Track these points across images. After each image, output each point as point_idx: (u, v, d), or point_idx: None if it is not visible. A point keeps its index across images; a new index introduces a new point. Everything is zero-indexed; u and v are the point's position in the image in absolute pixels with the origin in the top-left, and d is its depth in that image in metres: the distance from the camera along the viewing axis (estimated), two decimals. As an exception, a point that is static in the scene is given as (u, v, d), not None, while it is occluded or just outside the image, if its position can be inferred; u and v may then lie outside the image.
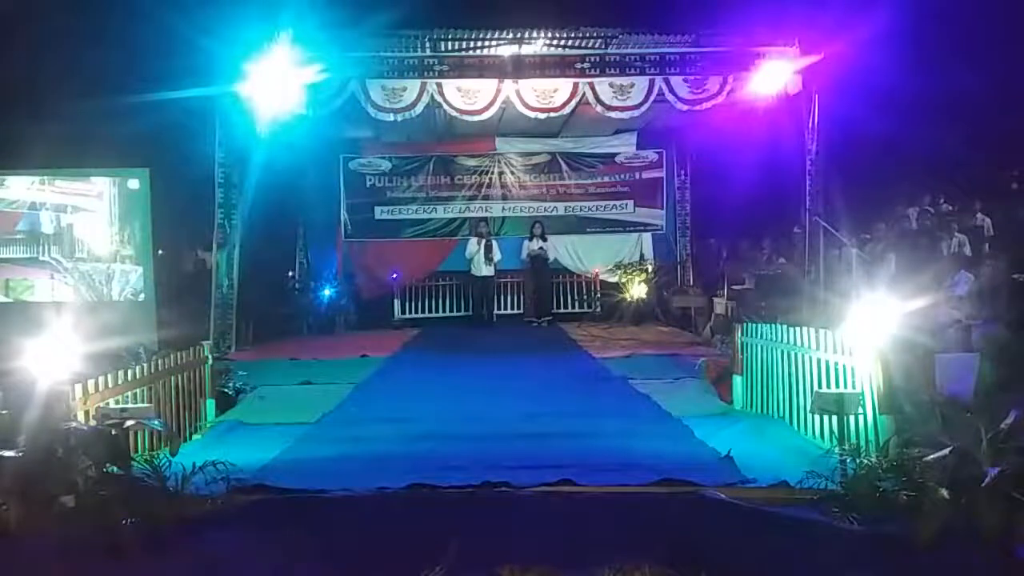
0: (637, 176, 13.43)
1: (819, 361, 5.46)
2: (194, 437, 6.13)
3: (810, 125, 9.39)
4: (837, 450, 4.48)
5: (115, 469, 4.07)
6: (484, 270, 12.07)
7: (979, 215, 10.75)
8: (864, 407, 4.78)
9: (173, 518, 3.82)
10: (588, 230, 13.38)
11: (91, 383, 4.86)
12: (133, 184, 8.60)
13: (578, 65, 9.39)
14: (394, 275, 12.81)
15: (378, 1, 9.35)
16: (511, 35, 9.24)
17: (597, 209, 13.40)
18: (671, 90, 9.45)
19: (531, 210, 13.22)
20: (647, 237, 13.40)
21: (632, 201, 13.42)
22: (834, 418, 4.81)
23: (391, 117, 9.44)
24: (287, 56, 8.61)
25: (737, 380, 6.99)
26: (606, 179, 13.41)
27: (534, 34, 9.27)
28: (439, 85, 9.30)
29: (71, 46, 10.30)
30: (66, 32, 10.40)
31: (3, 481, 3.83)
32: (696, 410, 6.52)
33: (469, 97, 9.46)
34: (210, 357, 6.71)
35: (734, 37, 9.40)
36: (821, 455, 4.63)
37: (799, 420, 5.75)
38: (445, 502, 4.15)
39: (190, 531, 3.79)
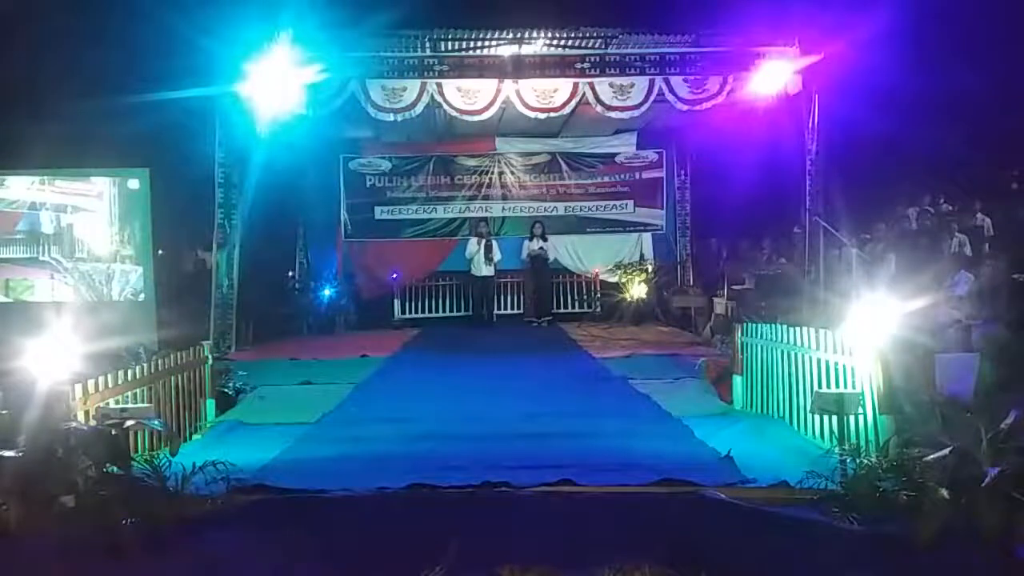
0: (637, 176, 13.43)
1: (819, 361, 5.46)
2: (194, 437, 6.13)
3: (810, 125, 9.39)
4: (837, 450, 4.48)
5: (115, 469, 4.07)
6: (484, 270, 12.07)
7: (979, 215, 10.75)
8: (864, 407, 4.78)
9: (173, 518, 3.82)
10: (588, 230, 13.38)
11: (91, 383, 4.86)
12: (133, 184, 8.60)
13: (578, 65, 9.39)
14: (394, 275, 12.81)
15: (378, 1, 9.36)
16: (511, 35, 9.24)
17: (597, 209, 13.39)
18: (671, 90, 9.45)
19: (531, 210, 13.22)
20: (647, 237, 13.40)
21: (632, 201, 13.42)
22: (834, 418, 4.81)
23: (391, 117, 9.44)
24: (287, 56, 8.61)
25: (737, 380, 6.99)
26: (606, 179, 13.41)
27: (534, 34, 9.27)
28: (439, 85, 9.30)
29: (71, 46, 10.30)
30: (66, 32, 10.40)
31: (3, 481, 3.83)
32: (696, 410, 6.51)
33: (469, 97, 9.46)
34: (210, 357, 6.71)
35: (734, 37, 9.40)
36: (821, 455, 4.63)
37: (799, 420, 5.75)
38: (445, 502, 4.15)
39: (190, 531, 3.78)
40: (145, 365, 5.66)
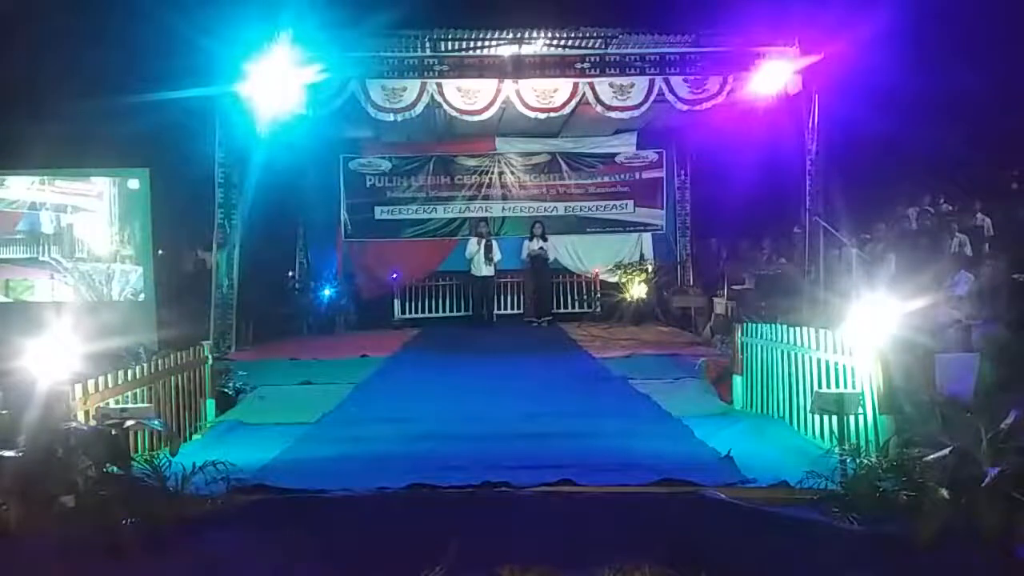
0: (637, 176, 13.43)
1: (819, 361, 5.46)
2: (194, 437, 6.13)
3: (810, 125, 9.39)
4: (837, 450, 4.48)
5: (115, 469, 4.07)
6: (484, 270, 12.07)
7: (979, 215, 10.75)
8: (864, 407, 4.78)
9: (173, 518, 3.82)
10: (588, 230, 13.38)
11: (91, 383, 4.86)
12: (133, 184, 8.60)
13: (578, 65, 9.39)
14: (394, 275, 12.81)
15: (378, 1, 9.36)
16: (511, 35, 9.24)
17: (597, 209, 13.39)
18: (671, 90, 9.45)
19: (531, 210, 13.22)
20: (647, 237, 13.40)
21: (632, 201, 13.42)
22: (834, 418, 4.81)
23: (391, 117, 9.44)
24: (287, 56, 8.61)
25: (737, 380, 6.99)
26: (606, 179, 13.41)
27: (534, 34, 9.27)
28: (439, 85, 9.30)
29: (71, 46, 10.30)
30: (66, 32, 10.40)
31: (3, 481, 3.83)
32: (696, 410, 6.51)
33: (469, 97, 9.46)
34: (210, 357, 6.71)
35: (734, 37, 9.40)
36: (821, 455, 4.63)
37: (799, 420, 5.75)
38: (445, 502, 4.15)
39: (190, 531, 3.78)
40: (145, 365, 5.66)
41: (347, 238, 13.14)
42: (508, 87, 9.39)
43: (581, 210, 13.36)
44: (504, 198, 13.33)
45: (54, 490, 3.86)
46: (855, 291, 7.31)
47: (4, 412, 4.26)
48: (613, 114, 9.76)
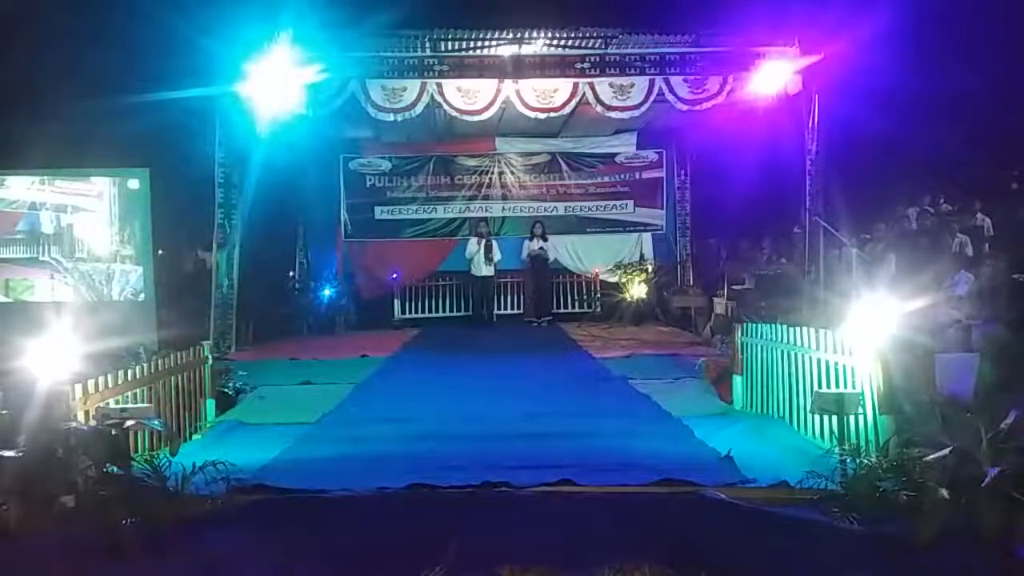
0: (637, 176, 13.43)
1: (819, 361, 5.46)
2: (194, 437, 6.13)
3: (810, 125, 9.39)
4: (837, 450, 4.48)
5: (115, 469, 4.07)
6: (484, 270, 12.07)
7: (979, 215, 10.74)
8: (864, 407, 4.78)
9: (173, 518, 3.82)
10: (588, 230, 13.38)
11: (91, 383, 4.86)
12: (133, 184, 8.60)
13: (578, 65, 9.39)
14: (394, 275, 12.81)
15: (378, 1, 9.36)
16: (511, 35, 9.24)
17: (597, 209, 13.40)
18: (671, 90, 9.45)
19: (531, 210, 13.22)
20: (647, 237, 13.40)
21: (632, 201, 13.42)
22: (834, 418, 4.81)
23: (391, 117, 9.44)
24: (287, 56, 8.61)
25: (737, 380, 6.99)
26: (606, 179, 13.41)
27: (534, 34, 9.27)
28: (439, 85, 9.30)
29: (71, 46, 10.30)
30: (66, 32, 10.40)
31: (3, 481, 3.83)
32: (696, 410, 6.51)
33: (469, 97, 9.46)
34: (210, 357, 6.71)
35: (734, 37, 9.40)
36: (821, 455, 4.63)
37: (799, 420, 5.75)
38: (445, 502, 4.15)
39: (190, 531, 3.78)
40: (145, 365, 5.66)
41: (347, 238, 13.14)
42: (508, 87, 9.39)
43: (581, 210, 13.36)
44: (504, 198, 13.33)
45: (54, 490, 3.87)
46: (855, 291, 7.30)
47: (4, 412, 4.26)
48: (613, 114, 9.76)
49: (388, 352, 9.46)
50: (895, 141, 11.12)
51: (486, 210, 13.18)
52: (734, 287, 10.24)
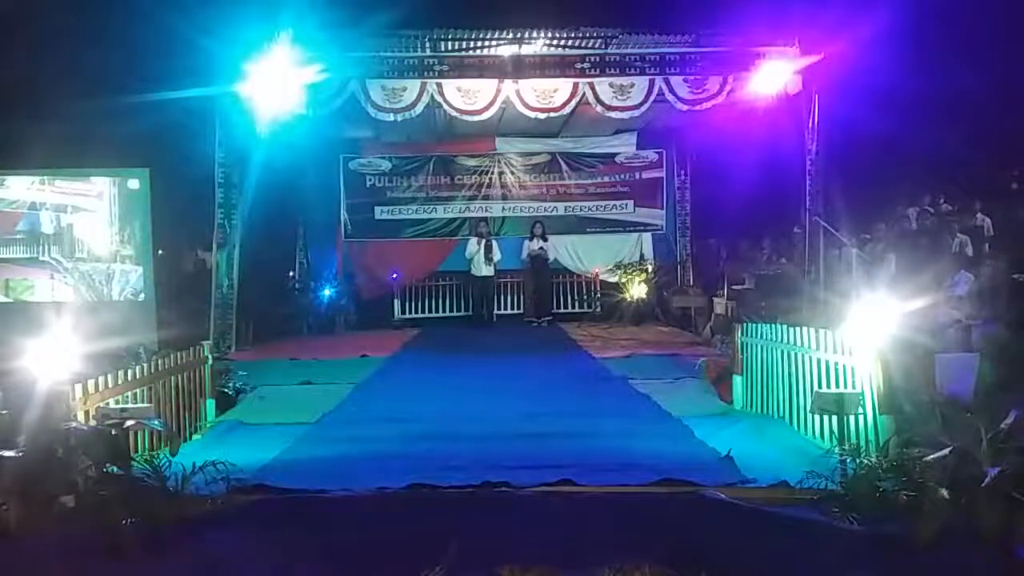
0: (637, 176, 13.43)
1: (819, 361, 5.46)
2: (194, 437, 6.13)
3: (810, 125, 9.39)
4: (837, 450, 4.48)
5: (115, 469, 4.07)
6: (484, 270, 12.07)
7: (979, 215, 10.75)
8: (864, 407, 4.78)
9: (173, 518, 3.82)
10: (588, 230, 13.38)
11: (91, 383, 4.86)
12: (133, 184, 8.60)
13: (578, 65, 9.39)
14: (394, 275, 12.81)
15: (378, 1, 9.36)
16: (511, 35, 9.24)
17: (597, 209, 13.40)
18: (671, 90, 9.45)
19: (531, 210, 13.23)
20: (647, 237, 13.40)
21: (632, 201, 13.42)
22: (834, 418, 4.81)
23: (391, 117, 9.44)
24: (287, 56, 8.61)
25: (737, 380, 6.99)
26: (606, 179, 13.41)
27: (534, 34, 9.27)
28: (439, 85, 9.31)
29: (71, 46, 10.30)
30: (66, 32, 10.40)
31: (3, 481, 3.83)
32: (696, 410, 6.51)
33: (469, 97, 9.46)
34: (210, 357, 6.71)
35: (734, 37, 9.40)
36: (821, 455, 4.63)
37: (799, 420, 5.75)
38: (445, 502, 4.15)
39: (190, 531, 3.78)
40: (145, 365, 5.66)
41: (347, 238, 13.14)
42: (508, 87, 9.39)
43: (581, 210, 13.36)
44: (504, 198, 13.33)
45: (54, 490, 3.86)
46: (855, 291, 7.30)
47: (4, 412, 4.26)
48: (613, 114, 9.77)
49: (388, 352, 9.46)
50: (895, 141, 11.12)
51: (486, 210, 13.18)
52: (734, 287, 10.24)
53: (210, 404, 6.63)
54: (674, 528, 3.76)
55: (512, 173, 13.32)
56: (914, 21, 10.67)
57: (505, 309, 13.06)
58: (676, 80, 9.43)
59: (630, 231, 13.42)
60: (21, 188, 8.53)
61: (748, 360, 6.85)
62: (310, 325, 11.92)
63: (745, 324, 7.21)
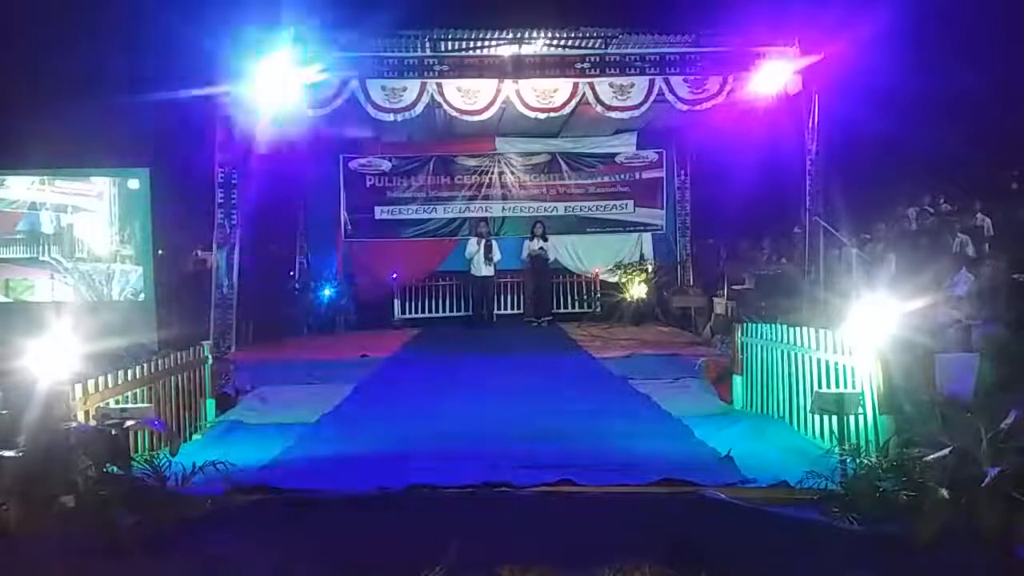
0: (637, 176, 13.42)
1: (819, 361, 5.46)
2: (194, 437, 6.14)
3: (810, 125, 9.38)
4: (837, 450, 4.48)
5: (115, 469, 4.07)
6: (484, 270, 12.07)
7: (979, 215, 10.75)
8: (864, 407, 4.78)
9: (173, 518, 3.82)
10: (588, 230, 13.37)
11: (91, 383, 4.86)
12: (133, 184, 8.61)
13: (578, 65, 9.39)
14: (394, 275, 12.81)
15: (378, 1, 9.36)
16: (511, 35, 9.23)
17: (597, 209, 13.39)
18: (671, 90, 9.44)
19: (531, 210, 13.21)
20: (647, 237, 13.39)
21: (632, 201, 13.42)
22: (834, 418, 4.81)
23: (391, 117, 9.44)
24: (287, 56, 8.61)
25: (737, 380, 6.99)
26: (606, 179, 13.41)
27: (534, 34, 9.27)
28: (439, 85, 9.30)
29: (71, 46, 10.31)
30: (66, 32, 10.41)
31: (3, 481, 3.83)
32: (696, 410, 6.52)
33: (469, 97, 9.46)
34: (210, 357, 6.72)
35: (734, 37, 9.39)
36: (821, 455, 4.63)
37: (799, 420, 5.75)
38: (445, 502, 4.15)
39: (190, 531, 3.79)
40: (145, 365, 5.66)
41: (347, 238, 13.13)
42: (508, 87, 9.38)
43: (581, 210, 13.35)
44: (504, 198, 13.32)
45: (54, 490, 3.87)
46: (855, 291, 7.30)
47: (4, 412, 4.26)
48: (613, 114, 9.76)
49: (388, 352, 9.45)
50: (895, 141, 11.13)
51: (486, 210, 13.17)
52: (734, 287, 10.23)
53: (210, 404, 6.64)
54: (674, 528, 3.76)
55: (512, 173, 13.31)
56: (914, 21, 10.67)
57: (505, 309, 13.05)
58: (676, 80, 9.42)
59: (630, 231, 13.41)
60: (21, 188, 8.54)
61: (748, 360, 6.85)
62: (310, 325, 11.91)
63: (745, 324, 7.21)
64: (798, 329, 5.87)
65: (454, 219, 13.29)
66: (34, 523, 3.74)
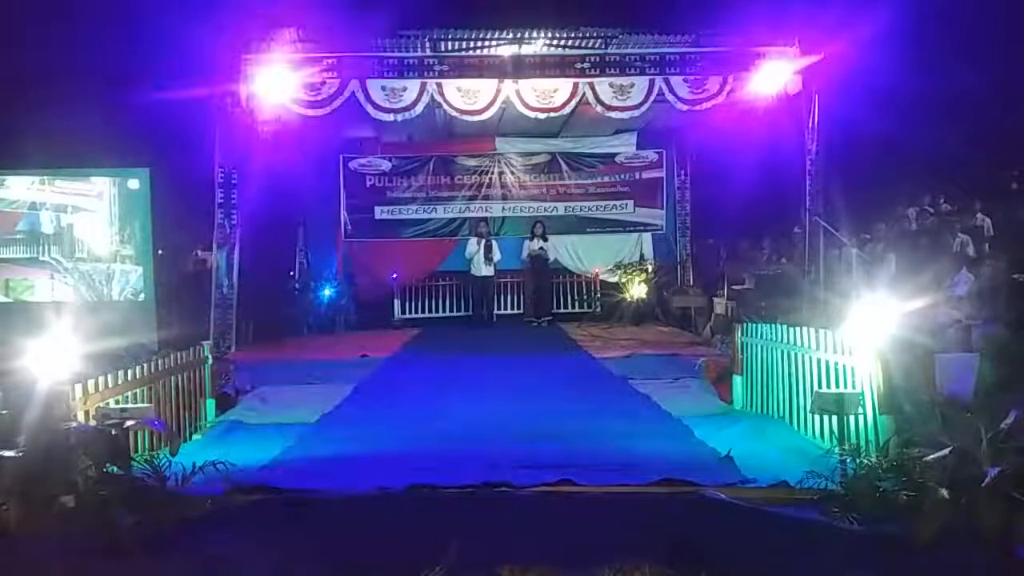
0: (637, 176, 13.42)
1: (819, 361, 5.46)
2: (194, 437, 6.14)
3: (810, 125, 9.38)
4: (837, 450, 4.48)
5: (115, 469, 4.07)
6: (484, 270, 12.07)
7: (979, 215, 10.75)
8: (864, 407, 4.78)
9: (173, 518, 3.82)
10: (588, 230, 13.37)
11: (91, 383, 4.86)
12: (133, 184, 8.62)
13: (578, 65, 9.39)
14: (394, 275, 12.81)
15: (378, 1, 9.36)
16: (511, 35, 9.24)
17: (597, 209, 13.39)
18: (671, 90, 9.45)
19: (531, 210, 13.21)
20: (647, 237, 13.40)
21: (632, 201, 13.42)
22: (834, 418, 4.81)
23: (391, 117, 9.44)
24: (287, 56, 8.61)
25: (737, 380, 6.99)
26: (606, 179, 13.41)
27: (534, 34, 9.27)
28: (439, 85, 9.30)
29: (72, 46, 10.30)
30: (66, 32, 10.40)
31: (3, 481, 3.83)
32: (696, 410, 6.52)
33: (469, 97, 9.46)
34: (210, 357, 6.71)
35: (734, 37, 9.40)
36: (821, 455, 4.63)
37: (799, 420, 5.75)
38: (445, 502, 4.15)
39: (190, 531, 3.79)
40: (145, 365, 5.66)
41: (347, 238, 13.13)
42: (508, 87, 9.38)
43: (581, 210, 13.35)
44: (504, 198, 13.32)
45: (54, 490, 3.87)
46: (855, 291, 7.30)
47: (4, 412, 4.26)
48: (613, 114, 9.76)
49: (388, 352, 9.45)
50: (895, 141, 11.12)
51: (486, 210, 13.17)
52: (734, 287, 10.23)
53: (210, 404, 6.64)
54: (674, 528, 3.76)
55: (512, 173, 13.31)
56: (914, 21, 10.65)
57: (505, 309, 13.05)
58: (676, 80, 9.42)
59: (630, 231, 13.41)
60: (21, 188, 8.54)
61: (748, 360, 6.85)
62: (310, 325, 11.91)
63: (745, 324, 7.21)
64: (798, 329, 5.87)
65: (454, 219, 13.29)
66: (34, 523, 3.74)
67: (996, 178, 12.07)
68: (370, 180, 13.22)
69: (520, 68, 9.32)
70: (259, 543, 3.71)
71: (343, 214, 13.11)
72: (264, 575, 3.47)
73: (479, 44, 9.27)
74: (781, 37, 9.27)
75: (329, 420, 6.32)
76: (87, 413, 4.71)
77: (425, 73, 9.25)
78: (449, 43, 9.25)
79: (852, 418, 4.75)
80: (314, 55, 8.86)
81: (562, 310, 13.04)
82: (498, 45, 9.28)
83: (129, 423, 4.65)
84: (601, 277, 12.91)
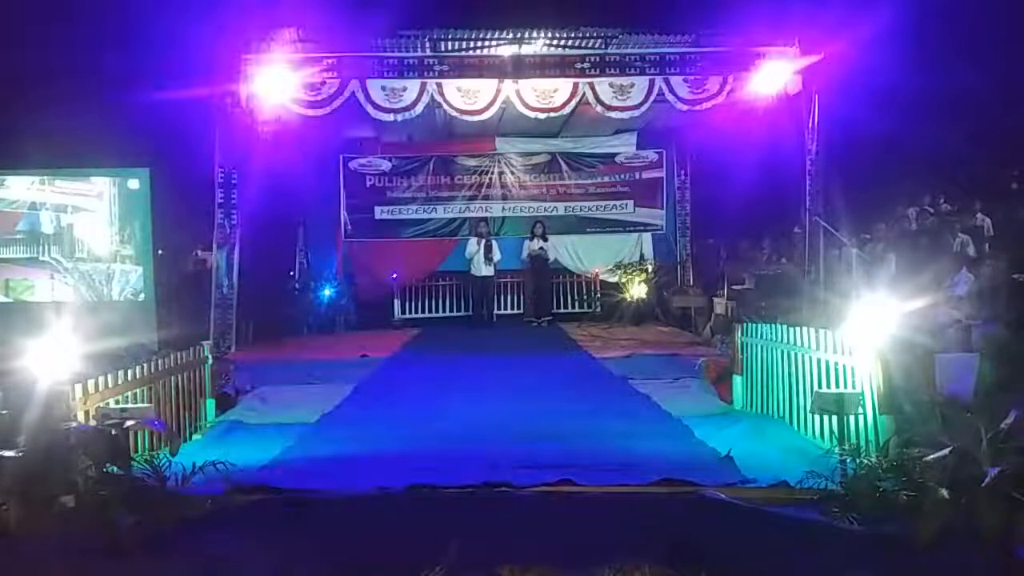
0: (637, 176, 13.42)
1: (819, 361, 5.46)
2: (194, 437, 6.14)
3: (810, 125, 9.38)
4: (837, 450, 4.48)
5: (115, 469, 4.07)
6: (484, 270, 12.07)
7: (979, 215, 10.74)
8: (864, 407, 4.78)
9: (173, 518, 3.82)
10: (588, 230, 13.37)
11: (91, 383, 4.86)
12: (133, 184, 8.62)
13: (578, 65, 9.39)
14: (394, 275, 12.81)
15: (378, 1, 9.35)
16: (511, 35, 9.24)
17: (597, 209, 13.39)
18: (671, 90, 9.45)
19: (531, 210, 13.21)
20: (647, 237, 13.40)
21: (632, 201, 13.42)
22: (834, 418, 4.81)
23: (391, 117, 9.44)
24: (287, 56, 8.61)
25: (737, 380, 6.99)
26: (606, 179, 13.40)
27: (534, 34, 9.27)
28: (439, 85, 9.30)
29: (71, 45, 10.30)
30: (66, 31, 10.40)
31: (3, 481, 3.83)
32: (696, 410, 6.52)
33: (469, 97, 9.46)
34: (210, 357, 6.71)
35: (734, 37, 9.40)
36: (821, 455, 4.63)
37: (799, 420, 5.75)
38: (445, 502, 4.15)
39: (190, 531, 3.79)
40: (145, 365, 5.66)
41: (347, 238, 13.13)
42: (508, 87, 9.38)
43: (581, 210, 13.35)
44: (504, 198, 13.32)
45: (54, 490, 3.87)
46: (855, 291, 7.30)
47: (4, 412, 4.26)
48: (613, 114, 9.76)
49: (388, 352, 9.45)
50: (896, 140, 11.12)
51: (486, 210, 13.16)
52: (734, 287, 10.23)
53: (210, 404, 6.64)
54: (674, 528, 3.76)
55: (512, 173, 13.31)
56: (915, 20, 10.65)
57: (505, 309, 13.05)
58: (676, 80, 9.42)
59: (630, 231, 13.41)
60: (21, 188, 8.54)
61: (748, 360, 6.85)
62: (310, 325, 11.91)
63: (745, 324, 7.21)
64: (798, 329, 5.87)
65: (454, 219, 13.29)
66: (34, 523, 3.74)
67: (996, 178, 12.07)
68: (370, 180, 13.22)
69: (520, 68, 9.32)
70: (259, 543, 3.71)
71: (343, 214, 13.10)
72: (264, 575, 3.47)
73: (479, 44, 9.27)
74: (781, 37, 9.27)
75: (329, 420, 6.32)
76: (87, 413, 4.71)
77: (425, 73, 9.25)
78: (449, 43, 9.25)
79: (852, 418, 4.75)
80: (314, 55, 8.86)
81: (562, 310, 13.04)
82: (498, 45, 9.28)
83: (129, 423, 4.65)
84: (601, 277, 12.91)
